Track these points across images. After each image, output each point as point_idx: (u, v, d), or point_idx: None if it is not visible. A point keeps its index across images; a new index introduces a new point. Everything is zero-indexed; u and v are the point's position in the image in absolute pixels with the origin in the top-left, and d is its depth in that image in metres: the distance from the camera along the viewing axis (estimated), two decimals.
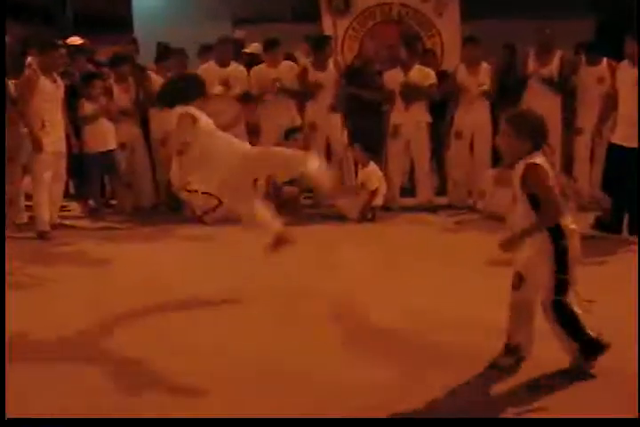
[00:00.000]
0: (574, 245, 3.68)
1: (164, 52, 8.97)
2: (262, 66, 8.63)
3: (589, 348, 3.70)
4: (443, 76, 8.69)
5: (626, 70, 6.80)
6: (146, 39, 9.76)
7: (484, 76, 8.32)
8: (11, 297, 5.28)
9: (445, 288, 5.34)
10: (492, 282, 4.40)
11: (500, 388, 3.60)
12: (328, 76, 8.49)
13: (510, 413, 3.30)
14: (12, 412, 3.22)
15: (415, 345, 4.28)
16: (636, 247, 6.32)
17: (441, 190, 8.95)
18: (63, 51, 8.08)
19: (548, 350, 3.76)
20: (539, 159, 3.64)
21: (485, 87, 8.26)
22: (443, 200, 8.70)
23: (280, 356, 4.16)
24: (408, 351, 4.19)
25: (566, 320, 3.69)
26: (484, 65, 8.36)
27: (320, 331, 4.60)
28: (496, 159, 8.29)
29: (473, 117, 8.31)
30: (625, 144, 6.68)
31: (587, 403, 3.13)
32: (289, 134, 8.22)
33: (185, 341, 4.49)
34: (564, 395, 3.23)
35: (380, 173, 8.10)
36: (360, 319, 4.80)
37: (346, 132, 8.64)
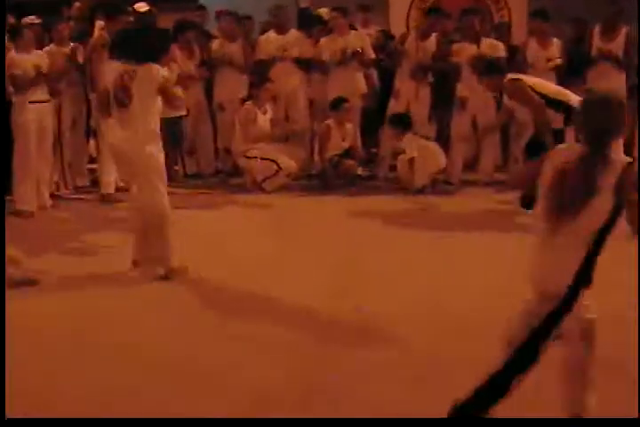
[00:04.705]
0: None
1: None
2: (331, 35, 8.59)
3: None
4: (512, 50, 8.48)
5: None
6: (211, 6, 9.75)
7: (554, 52, 8.10)
8: (70, 262, 5.42)
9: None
10: None
11: None
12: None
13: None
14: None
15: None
16: None
17: (503, 166, 8.76)
18: (129, 17, 8.12)
19: None
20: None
21: (558, 61, 8.04)
22: (503, 176, 8.50)
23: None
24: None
25: None
26: (555, 40, 8.14)
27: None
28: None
29: None
30: None
31: None
32: (336, 105, 8.17)
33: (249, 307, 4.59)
34: None
35: (421, 144, 7.96)
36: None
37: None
